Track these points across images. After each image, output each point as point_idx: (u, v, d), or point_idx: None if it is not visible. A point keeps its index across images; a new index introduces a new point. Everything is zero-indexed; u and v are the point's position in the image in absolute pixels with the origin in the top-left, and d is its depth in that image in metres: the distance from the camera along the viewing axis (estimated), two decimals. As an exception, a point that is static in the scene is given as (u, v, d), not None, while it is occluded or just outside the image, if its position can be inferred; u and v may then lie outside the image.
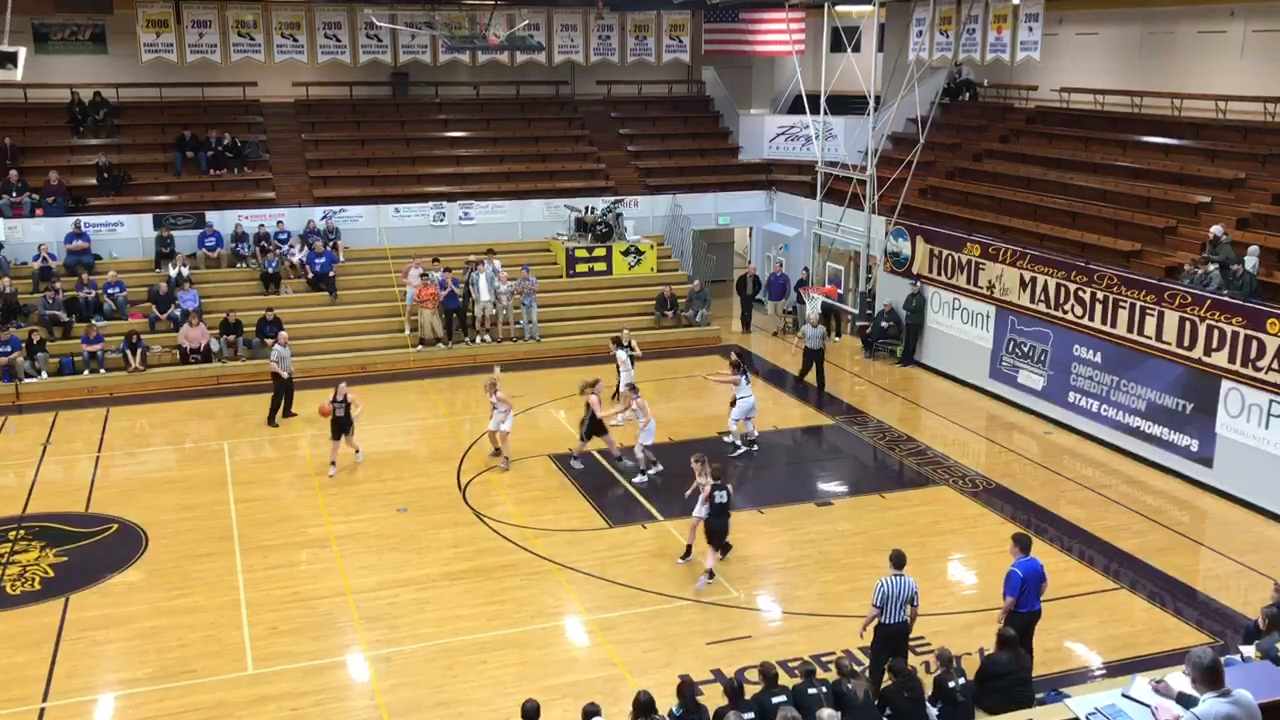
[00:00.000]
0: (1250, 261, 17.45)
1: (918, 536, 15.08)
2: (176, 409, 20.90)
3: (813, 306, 26.19)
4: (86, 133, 26.41)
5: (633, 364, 19.97)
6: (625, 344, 20.28)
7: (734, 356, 19.68)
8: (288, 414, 20.33)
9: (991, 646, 10.72)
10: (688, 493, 14.69)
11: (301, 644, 12.50)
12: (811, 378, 22.14)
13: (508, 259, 25.31)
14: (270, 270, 24.35)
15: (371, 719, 11.18)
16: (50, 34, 26.29)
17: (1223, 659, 7.21)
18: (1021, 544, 11.39)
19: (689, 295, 25.96)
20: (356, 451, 17.97)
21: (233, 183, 26.53)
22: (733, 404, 18.55)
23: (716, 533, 13.87)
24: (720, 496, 13.75)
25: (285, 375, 19.88)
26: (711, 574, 13.84)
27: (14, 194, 24.11)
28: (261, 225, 25.20)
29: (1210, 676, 6.64)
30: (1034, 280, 20.23)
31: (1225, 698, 6.58)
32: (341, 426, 17.45)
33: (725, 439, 18.73)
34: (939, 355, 23.11)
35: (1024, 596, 11.13)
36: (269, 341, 22.42)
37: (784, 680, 10.15)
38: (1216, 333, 16.67)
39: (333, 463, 17.55)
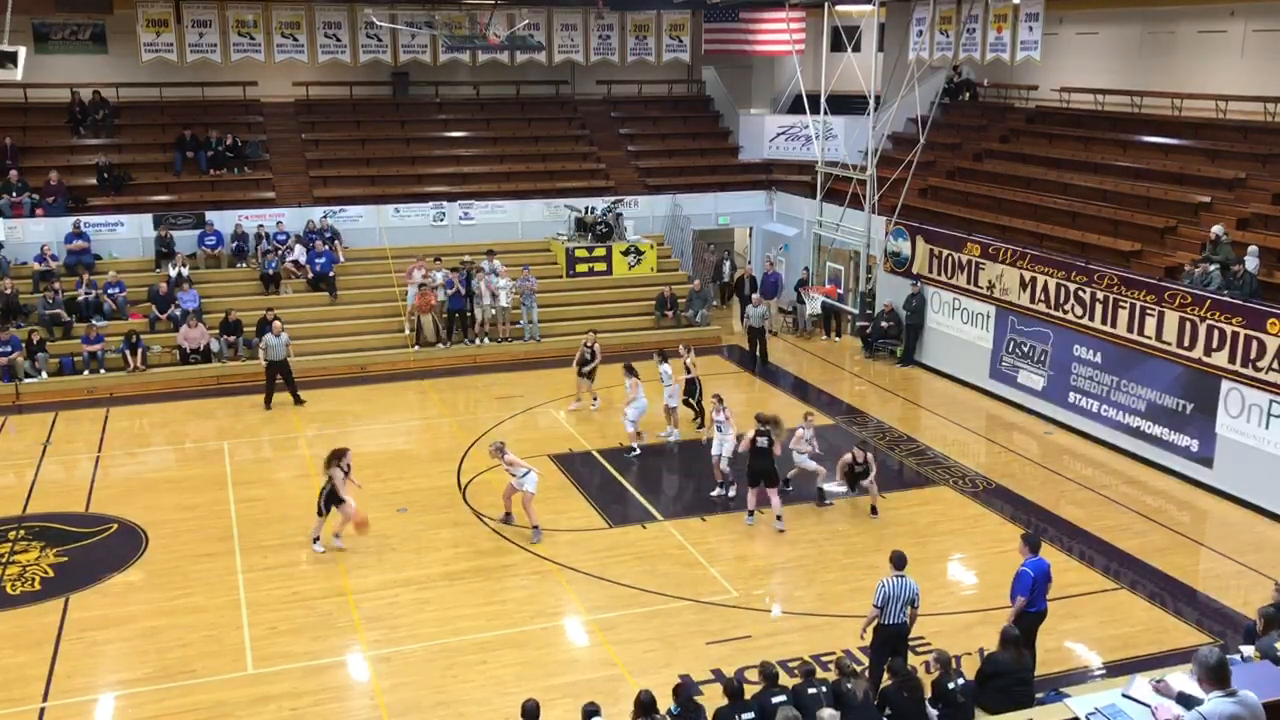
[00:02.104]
0: (1250, 262, 17.44)
1: (918, 536, 15.08)
2: (176, 409, 20.89)
3: (812, 306, 26.27)
4: (86, 133, 26.40)
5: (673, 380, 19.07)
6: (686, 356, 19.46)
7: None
8: (297, 401, 20.77)
9: (991, 646, 10.72)
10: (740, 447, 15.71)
11: (301, 644, 12.49)
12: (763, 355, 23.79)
13: (508, 259, 25.31)
14: (270, 270, 24.35)
15: (371, 719, 11.18)
16: (50, 34, 26.27)
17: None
18: (1031, 544, 11.37)
19: (689, 295, 25.97)
20: (336, 536, 14.97)
21: (233, 183, 26.52)
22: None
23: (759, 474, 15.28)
24: (762, 441, 15.19)
25: (273, 360, 20.47)
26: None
27: (14, 194, 24.09)
28: (261, 225, 25.19)
29: (1216, 676, 6.66)
30: (1034, 280, 20.23)
31: (1231, 697, 6.60)
32: (334, 498, 14.68)
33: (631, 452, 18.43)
34: (939, 355, 23.11)
35: (1033, 596, 11.14)
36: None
37: (784, 680, 10.16)
38: (1216, 333, 16.66)
39: (318, 539, 14.82)
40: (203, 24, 25.34)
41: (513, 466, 15.02)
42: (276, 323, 20.78)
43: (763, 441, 15.21)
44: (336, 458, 14.61)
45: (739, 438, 15.82)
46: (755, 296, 24.45)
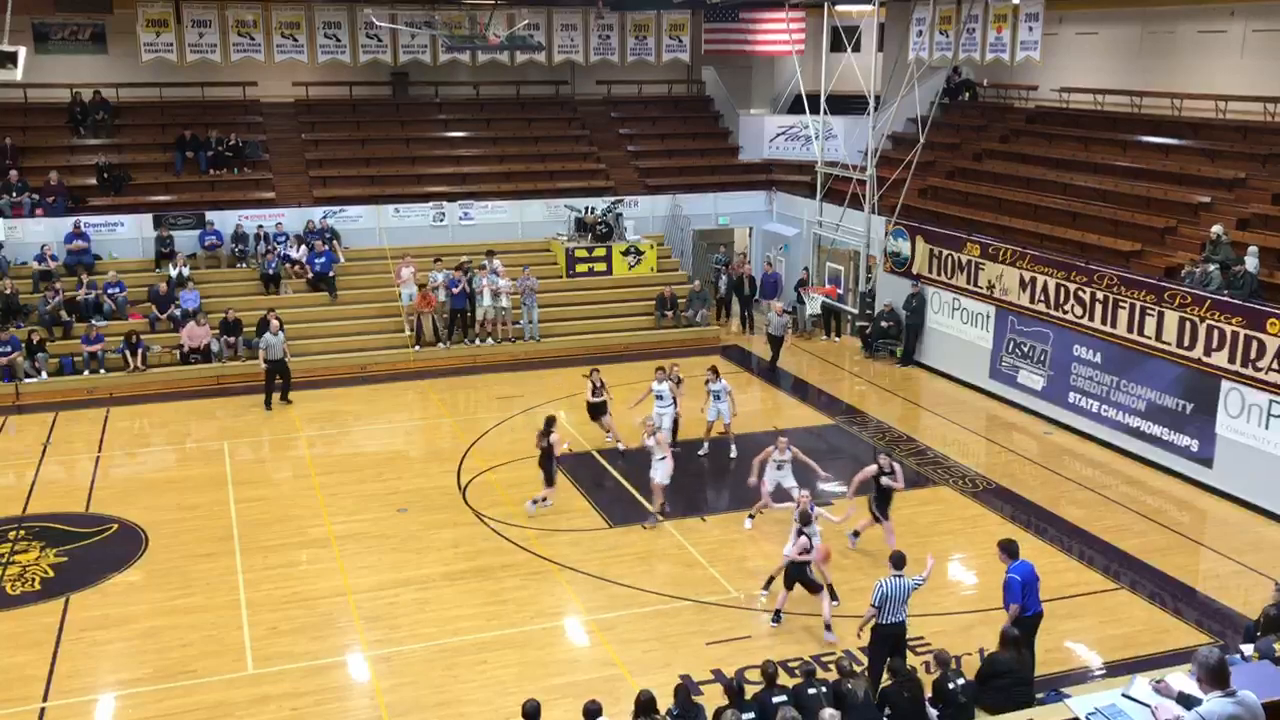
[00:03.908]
0: (1250, 262, 17.45)
1: (918, 536, 15.06)
2: (176, 409, 20.89)
3: (812, 306, 26.27)
4: (86, 133, 26.39)
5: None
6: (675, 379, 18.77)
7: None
8: (285, 400, 20.81)
9: (991, 646, 10.73)
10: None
11: (301, 644, 12.49)
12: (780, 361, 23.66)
13: (508, 259, 25.31)
14: (270, 270, 24.35)
15: (371, 719, 11.19)
16: (50, 34, 26.26)
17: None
18: (1009, 550, 11.40)
19: (689, 295, 25.96)
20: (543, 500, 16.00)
21: (233, 183, 26.52)
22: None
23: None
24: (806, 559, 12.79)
25: (273, 360, 20.53)
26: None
27: (14, 194, 24.09)
28: (260, 226, 25.19)
29: (1216, 676, 6.66)
30: (1034, 280, 20.23)
31: (1230, 697, 6.60)
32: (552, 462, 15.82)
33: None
34: (939, 355, 23.11)
35: (1026, 600, 11.13)
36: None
37: (784, 680, 10.16)
38: (1216, 333, 16.66)
39: (538, 500, 15.94)
40: (203, 24, 25.31)
41: (656, 449, 15.61)
42: (274, 321, 20.78)
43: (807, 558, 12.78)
44: (551, 424, 15.84)
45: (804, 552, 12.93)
46: (777, 305, 24.10)
